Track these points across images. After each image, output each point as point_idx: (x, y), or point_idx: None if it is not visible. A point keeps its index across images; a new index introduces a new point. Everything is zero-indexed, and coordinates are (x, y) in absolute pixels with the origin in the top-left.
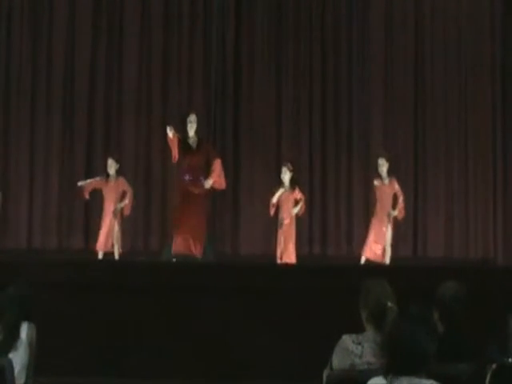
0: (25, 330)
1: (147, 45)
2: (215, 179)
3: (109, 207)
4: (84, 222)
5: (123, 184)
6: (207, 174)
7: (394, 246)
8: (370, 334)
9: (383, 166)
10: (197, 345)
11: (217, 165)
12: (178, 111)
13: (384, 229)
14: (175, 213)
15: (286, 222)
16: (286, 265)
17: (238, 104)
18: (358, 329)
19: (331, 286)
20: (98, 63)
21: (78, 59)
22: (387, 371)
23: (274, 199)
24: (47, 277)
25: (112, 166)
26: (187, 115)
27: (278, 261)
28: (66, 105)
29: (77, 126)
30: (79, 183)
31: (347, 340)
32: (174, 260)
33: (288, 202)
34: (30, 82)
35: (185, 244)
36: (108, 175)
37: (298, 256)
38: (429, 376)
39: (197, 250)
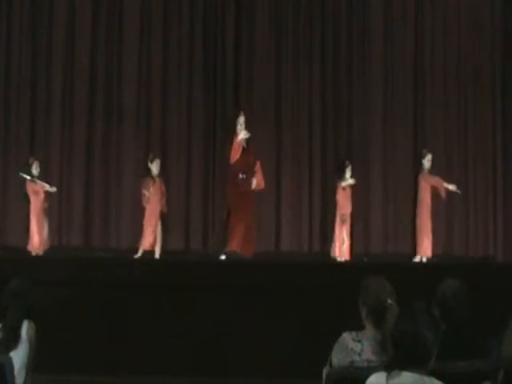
0: (25, 328)
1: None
2: (259, 180)
3: (155, 207)
4: (84, 220)
5: (162, 185)
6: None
7: (394, 243)
8: (369, 331)
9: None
10: (196, 342)
11: (259, 166)
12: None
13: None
14: (233, 212)
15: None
16: (284, 262)
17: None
18: (357, 326)
19: (331, 283)
20: (97, 63)
21: (78, 59)
22: (389, 366)
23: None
24: (48, 274)
25: (158, 166)
26: (236, 117)
27: (337, 256)
28: (66, 105)
29: (77, 125)
30: (144, 192)
31: (347, 337)
32: (223, 258)
33: (346, 198)
34: (29, 79)
35: (241, 243)
36: (153, 176)
37: (299, 254)
38: (430, 374)
39: (250, 250)
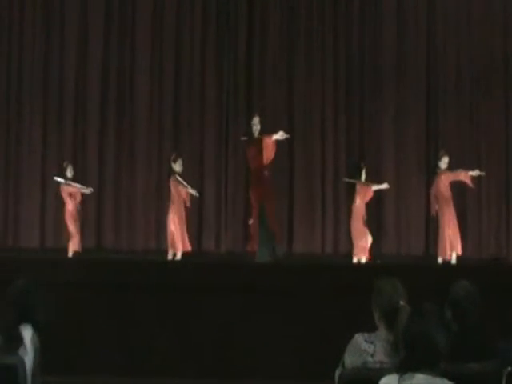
0: (29, 334)
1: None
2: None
3: (180, 207)
4: (96, 222)
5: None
6: None
7: (407, 244)
8: (382, 332)
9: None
10: (203, 344)
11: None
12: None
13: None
14: (267, 211)
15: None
16: (296, 263)
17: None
18: (370, 328)
19: (344, 284)
20: (109, 63)
21: (90, 59)
22: (401, 367)
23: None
24: (59, 276)
25: (181, 165)
26: (251, 118)
27: (361, 257)
28: (78, 106)
29: (89, 124)
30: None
31: (359, 339)
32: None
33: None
34: (41, 80)
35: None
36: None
37: (313, 255)
38: (442, 375)
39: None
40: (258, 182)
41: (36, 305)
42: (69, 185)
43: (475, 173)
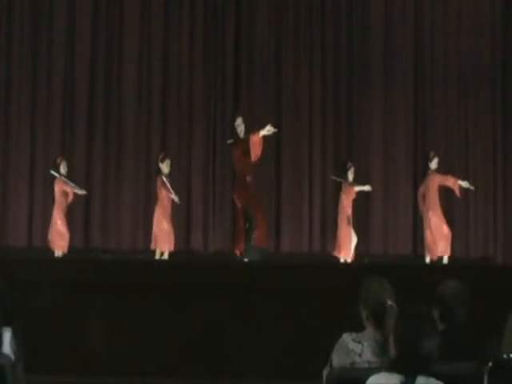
0: (8, 337)
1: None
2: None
3: (167, 206)
4: (84, 220)
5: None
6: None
7: (394, 244)
8: (369, 332)
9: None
10: (195, 343)
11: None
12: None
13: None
14: (251, 210)
15: None
16: (285, 263)
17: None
18: (358, 327)
19: (331, 284)
20: (97, 63)
21: (78, 60)
22: (391, 369)
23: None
24: (47, 275)
25: (169, 165)
26: (234, 120)
27: (342, 257)
28: (66, 102)
29: (76, 122)
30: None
31: (347, 338)
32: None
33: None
34: (30, 77)
35: (265, 238)
36: (163, 177)
37: (301, 254)
38: (430, 375)
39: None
40: (242, 185)
41: (12, 306)
42: (65, 182)
43: (465, 184)
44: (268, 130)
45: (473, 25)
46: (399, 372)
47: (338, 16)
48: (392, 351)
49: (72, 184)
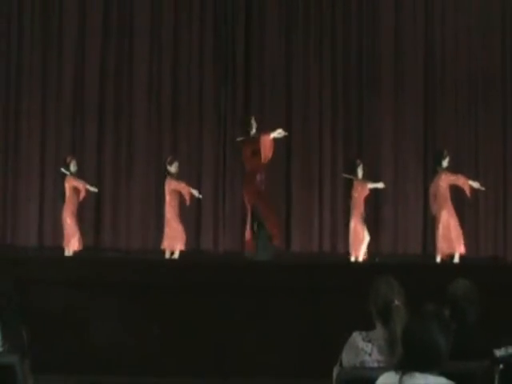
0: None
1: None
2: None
3: (177, 206)
4: (94, 219)
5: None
6: None
7: (404, 243)
8: (379, 331)
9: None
10: (206, 342)
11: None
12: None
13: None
14: (261, 209)
15: None
16: (294, 262)
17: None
18: (369, 326)
19: (342, 283)
20: (108, 63)
21: (88, 60)
22: (400, 367)
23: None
24: (58, 274)
25: (177, 168)
26: (246, 119)
27: (357, 256)
28: (77, 102)
29: (87, 121)
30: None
31: (357, 337)
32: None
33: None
34: (40, 76)
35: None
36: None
37: (311, 254)
38: (440, 374)
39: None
40: (252, 183)
41: (21, 306)
42: (75, 179)
43: (475, 185)
44: (279, 132)
45: (483, 26)
46: (409, 371)
47: (349, 18)
48: (401, 350)
49: (82, 181)
